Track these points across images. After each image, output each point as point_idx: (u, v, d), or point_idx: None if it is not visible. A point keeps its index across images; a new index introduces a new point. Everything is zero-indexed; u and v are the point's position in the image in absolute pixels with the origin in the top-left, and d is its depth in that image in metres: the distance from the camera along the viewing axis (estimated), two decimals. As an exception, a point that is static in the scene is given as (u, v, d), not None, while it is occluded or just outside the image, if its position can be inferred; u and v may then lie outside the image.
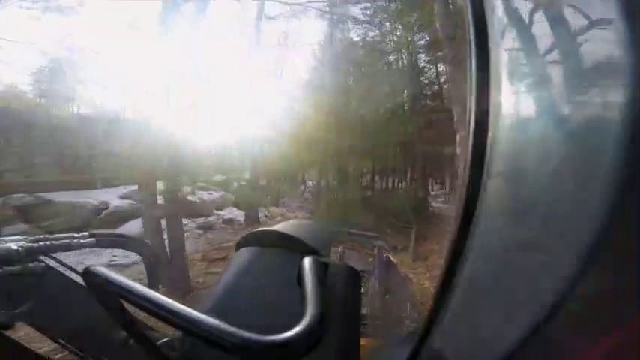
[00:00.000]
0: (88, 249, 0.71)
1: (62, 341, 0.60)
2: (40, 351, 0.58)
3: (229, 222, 8.78)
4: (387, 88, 11.24)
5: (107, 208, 7.91)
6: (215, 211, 9.64)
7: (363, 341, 0.55)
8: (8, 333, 0.52)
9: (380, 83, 11.47)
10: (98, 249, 0.78)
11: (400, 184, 13.13)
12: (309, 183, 14.68)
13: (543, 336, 0.25)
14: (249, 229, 8.41)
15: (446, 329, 0.36)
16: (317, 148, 10.78)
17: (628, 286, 0.23)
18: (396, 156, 12.63)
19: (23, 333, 0.59)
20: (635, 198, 0.21)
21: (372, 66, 11.98)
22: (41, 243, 0.61)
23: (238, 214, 9.25)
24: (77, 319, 0.62)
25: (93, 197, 7.98)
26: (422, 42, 11.19)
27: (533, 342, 0.25)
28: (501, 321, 0.29)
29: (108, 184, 9.06)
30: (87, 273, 0.36)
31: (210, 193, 10.48)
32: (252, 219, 8.71)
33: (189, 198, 9.64)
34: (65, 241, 0.67)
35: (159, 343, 0.49)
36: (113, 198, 8.38)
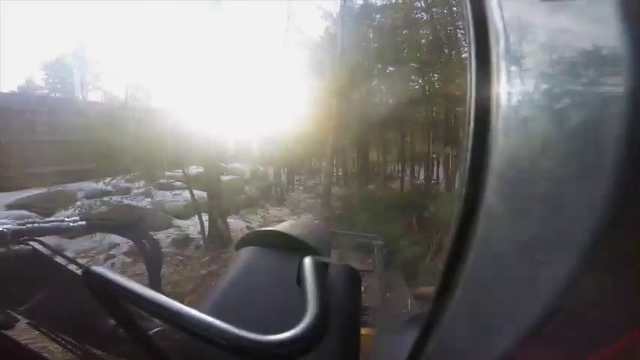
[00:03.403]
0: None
1: (46, 330, 0.55)
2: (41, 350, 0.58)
3: (182, 242, 5.51)
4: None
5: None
6: (177, 221, 6.60)
7: (364, 331, 0.56)
8: (8, 333, 0.50)
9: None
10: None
11: (436, 174, 9.85)
12: (323, 174, 11.75)
13: (543, 336, 0.25)
14: (207, 257, 4.94)
15: (445, 329, 0.35)
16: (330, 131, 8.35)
17: (628, 287, 0.23)
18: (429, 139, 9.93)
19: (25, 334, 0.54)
20: (636, 197, 0.22)
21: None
22: (29, 225, 0.58)
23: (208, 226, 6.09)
24: (63, 306, 0.57)
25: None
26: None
27: (533, 342, 0.26)
28: (501, 321, 0.29)
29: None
30: (87, 273, 0.36)
31: (177, 193, 7.47)
32: (216, 237, 5.43)
33: (141, 202, 6.69)
34: (54, 224, 0.63)
35: (151, 332, 0.48)
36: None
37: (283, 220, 7.99)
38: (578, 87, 0.26)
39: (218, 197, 5.62)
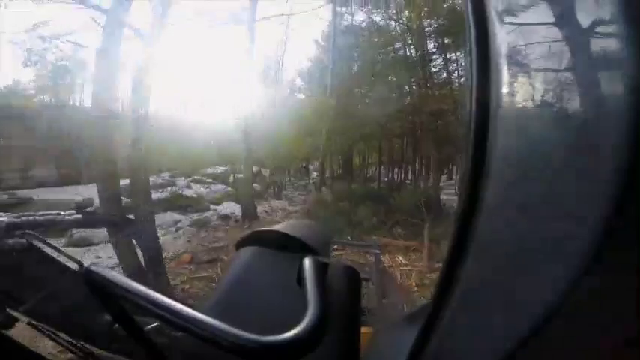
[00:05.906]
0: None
1: (39, 325, 0.54)
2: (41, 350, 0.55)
3: (225, 218, 8.19)
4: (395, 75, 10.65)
5: (92, 206, 7.26)
6: (212, 206, 9.05)
7: (364, 329, 0.58)
8: (8, 333, 0.50)
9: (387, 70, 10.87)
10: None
11: (410, 176, 12.40)
12: (314, 174, 14.17)
13: (543, 336, 0.25)
14: (246, 226, 7.86)
15: (446, 329, 0.35)
16: (320, 138, 10.26)
17: (628, 286, 0.23)
18: (404, 146, 12.08)
19: (23, 334, 0.56)
20: (636, 197, 0.21)
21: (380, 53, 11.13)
22: (24, 218, 0.59)
23: (237, 209, 8.61)
24: (57, 301, 0.57)
25: (79, 193, 7.37)
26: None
27: (533, 342, 0.25)
28: (501, 321, 0.29)
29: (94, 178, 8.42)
30: (87, 272, 0.36)
31: (208, 187, 9.89)
32: (249, 214, 8.11)
33: (185, 192, 9.09)
34: (50, 217, 0.64)
35: (146, 328, 0.47)
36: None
37: (285, 209, 10.40)
38: (578, 87, 0.25)
39: (249, 187, 8.33)
